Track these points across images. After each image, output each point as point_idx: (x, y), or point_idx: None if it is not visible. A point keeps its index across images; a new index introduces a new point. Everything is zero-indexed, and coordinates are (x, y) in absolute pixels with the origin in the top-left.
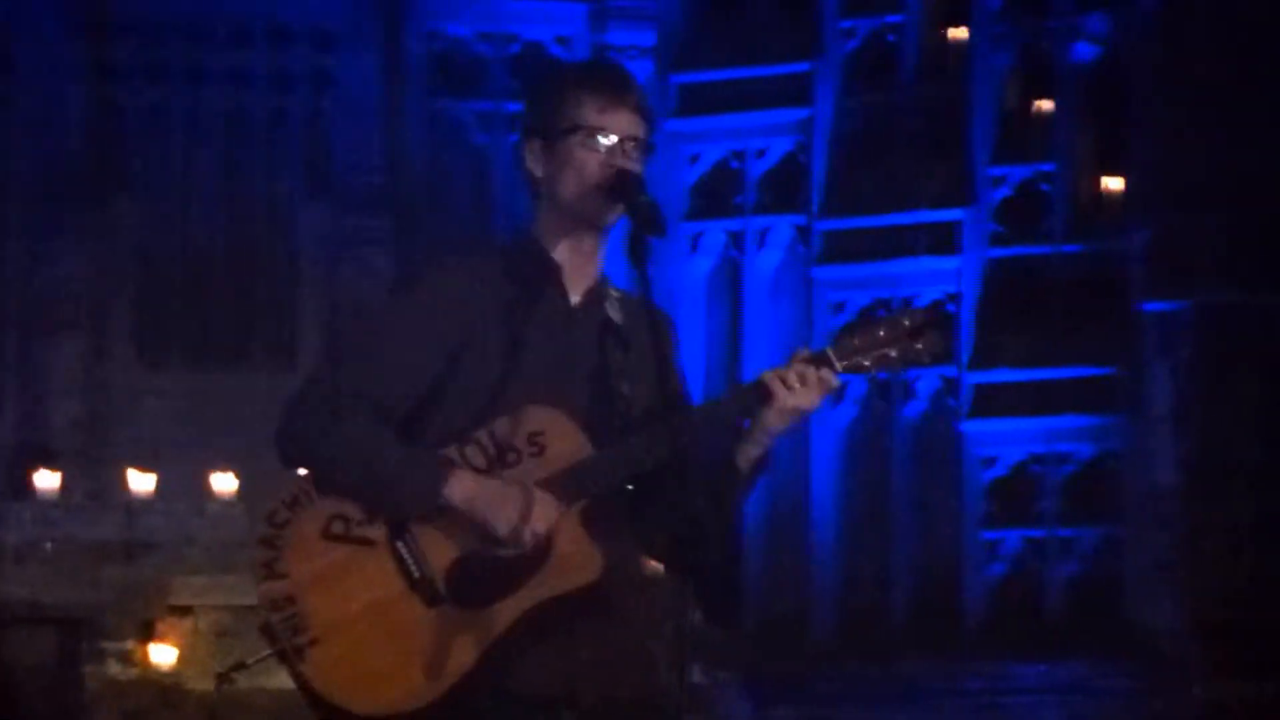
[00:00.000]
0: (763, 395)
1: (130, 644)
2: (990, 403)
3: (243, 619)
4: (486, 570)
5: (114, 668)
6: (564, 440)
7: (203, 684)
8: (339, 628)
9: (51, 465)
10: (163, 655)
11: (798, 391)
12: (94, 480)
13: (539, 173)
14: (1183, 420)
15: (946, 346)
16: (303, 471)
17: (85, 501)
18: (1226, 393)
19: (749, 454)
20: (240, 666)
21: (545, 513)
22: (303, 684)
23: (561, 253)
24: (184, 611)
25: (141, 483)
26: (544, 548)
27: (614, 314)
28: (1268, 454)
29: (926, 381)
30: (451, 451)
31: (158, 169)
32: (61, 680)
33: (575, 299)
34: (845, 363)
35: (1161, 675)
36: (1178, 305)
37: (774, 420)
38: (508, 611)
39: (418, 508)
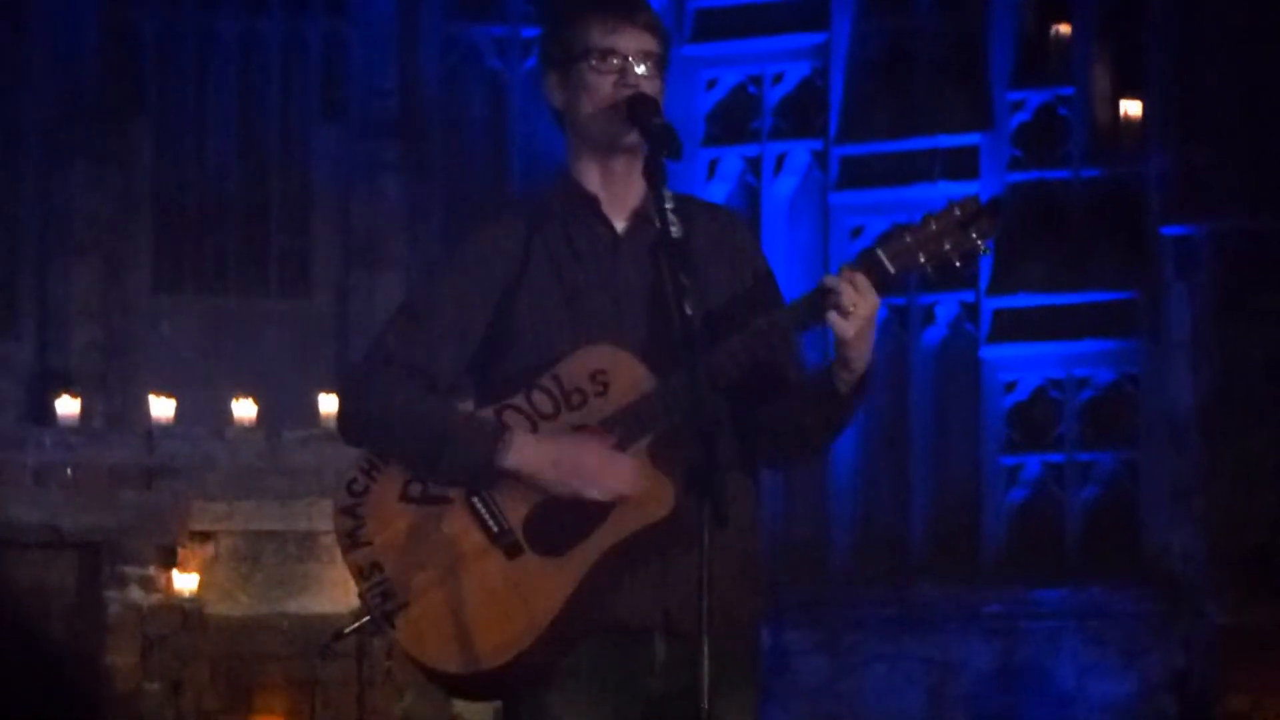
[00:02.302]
0: (822, 302)
1: (151, 569)
2: (1009, 328)
3: (263, 544)
4: (563, 517)
5: (135, 593)
6: (626, 375)
7: (223, 608)
8: (425, 590)
9: (70, 390)
10: (184, 581)
11: (851, 296)
12: (113, 405)
13: (558, 104)
14: (1201, 345)
15: (995, 231)
16: None
17: (104, 426)
18: (1245, 317)
19: (841, 376)
20: (339, 636)
21: (621, 472)
22: (400, 649)
23: (594, 182)
24: (204, 537)
25: (161, 408)
26: None
27: (672, 228)
28: None
29: (945, 307)
30: (519, 400)
31: (173, 95)
32: (82, 605)
33: (620, 225)
34: (899, 262)
35: (1179, 600)
36: (1196, 229)
37: (843, 329)
38: (588, 555)
39: (476, 481)
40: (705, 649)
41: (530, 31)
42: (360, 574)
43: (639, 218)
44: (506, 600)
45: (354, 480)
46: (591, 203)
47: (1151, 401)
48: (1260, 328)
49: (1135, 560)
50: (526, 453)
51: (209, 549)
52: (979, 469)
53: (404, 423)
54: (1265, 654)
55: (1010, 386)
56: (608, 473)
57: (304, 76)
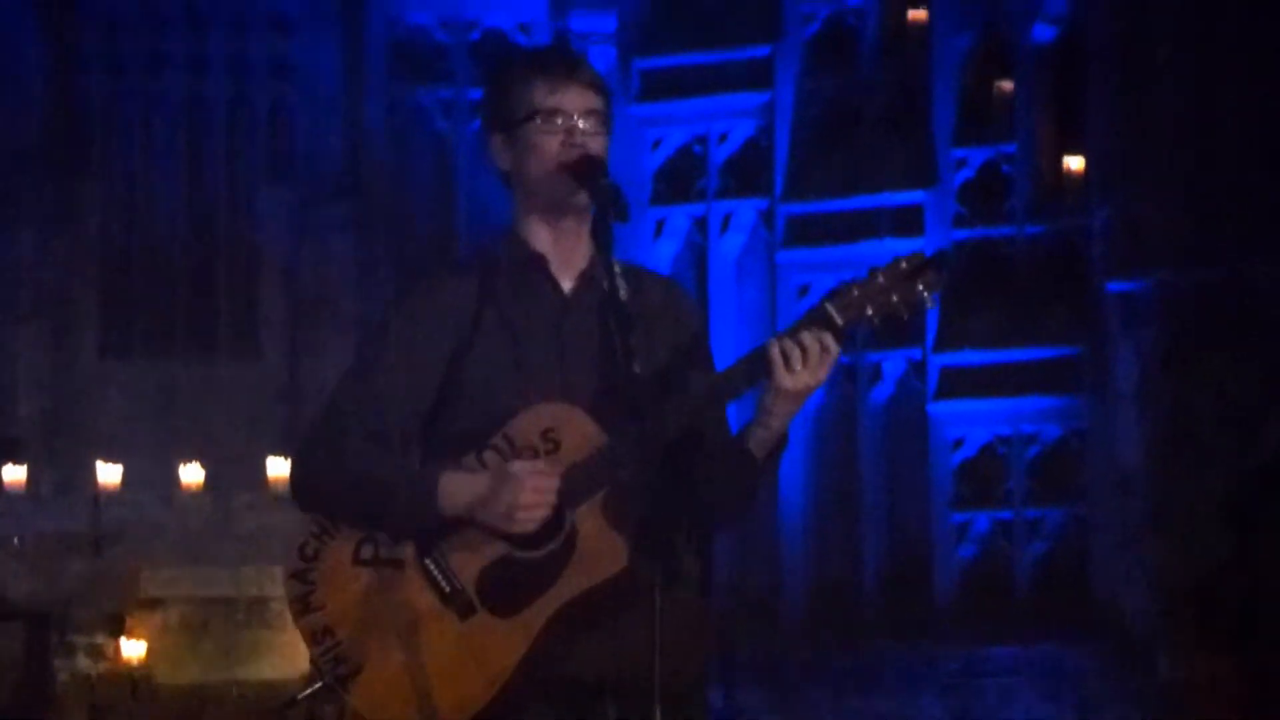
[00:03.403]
0: (763, 365)
1: (100, 637)
2: (956, 384)
3: (212, 611)
4: (515, 575)
5: (83, 661)
6: (577, 432)
7: (173, 676)
8: (379, 654)
9: (17, 458)
10: (132, 649)
11: (797, 368)
12: (61, 472)
13: (505, 166)
14: (1147, 399)
15: (941, 284)
16: None
17: (52, 494)
18: (1190, 371)
19: (759, 438)
20: (292, 704)
21: (538, 488)
22: (354, 714)
23: (543, 242)
24: (153, 604)
25: (108, 474)
26: (569, 544)
27: (620, 291)
28: (1232, 430)
29: (893, 364)
30: (470, 459)
31: (119, 157)
32: (31, 675)
33: (568, 285)
34: (846, 314)
35: (1130, 654)
36: (1140, 284)
37: (775, 402)
38: (540, 613)
39: (422, 525)
40: (658, 712)
41: (476, 93)
42: (313, 639)
43: (586, 278)
44: (461, 661)
45: (305, 544)
46: (539, 263)
47: (1098, 456)
48: (1205, 381)
49: (1086, 614)
50: (460, 489)
51: (158, 616)
52: (929, 526)
53: (354, 482)
54: (1217, 704)
55: (958, 443)
56: (533, 492)
57: (250, 139)
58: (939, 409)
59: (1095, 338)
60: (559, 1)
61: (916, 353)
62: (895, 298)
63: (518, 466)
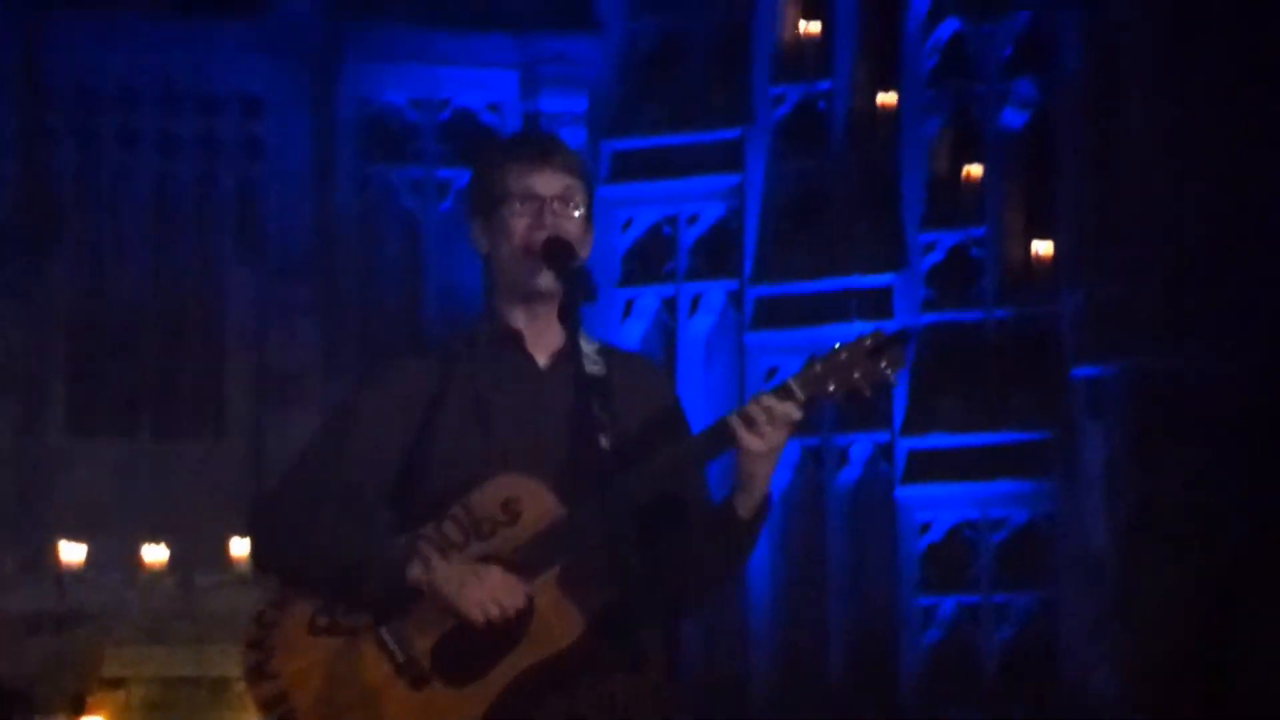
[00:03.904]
0: (725, 435)
1: (62, 717)
2: (924, 468)
3: (175, 691)
4: (469, 646)
5: None
6: (537, 505)
7: None
8: None
9: None
10: None
11: (759, 428)
12: (25, 550)
13: (483, 249)
14: (1115, 485)
15: (904, 363)
16: None
17: (16, 572)
18: (1158, 457)
19: (743, 501)
20: None
21: (511, 591)
22: None
23: (519, 320)
24: (116, 684)
25: (72, 553)
26: (524, 616)
27: (593, 368)
28: (1200, 518)
29: (860, 447)
30: (429, 529)
31: (88, 233)
32: None
33: (543, 361)
34: (808, 388)
35: None
36: (1109, 369)
37: (746, 463)
38: (494, 684)
39: (383, 599)
40: None
41: (445, 173)
42: (266, 706)
43: (561, 355)
44: None
45: (263, 612)
46: (515, 339)
47: (1066, 541)
48: (1174, 466)
49: (1053, 700)
50: (430, 569)
51: (120, 696)
52: (895, 609)
53: (322, 548)
54: None
55: (925, 527)
56: (502, 593)
57: (219, 216)
58: (906, 492)
59: (1063, 423)
60: (529, 82)
61: (884, 436)
62: (857, 374)
63: (495, 573)
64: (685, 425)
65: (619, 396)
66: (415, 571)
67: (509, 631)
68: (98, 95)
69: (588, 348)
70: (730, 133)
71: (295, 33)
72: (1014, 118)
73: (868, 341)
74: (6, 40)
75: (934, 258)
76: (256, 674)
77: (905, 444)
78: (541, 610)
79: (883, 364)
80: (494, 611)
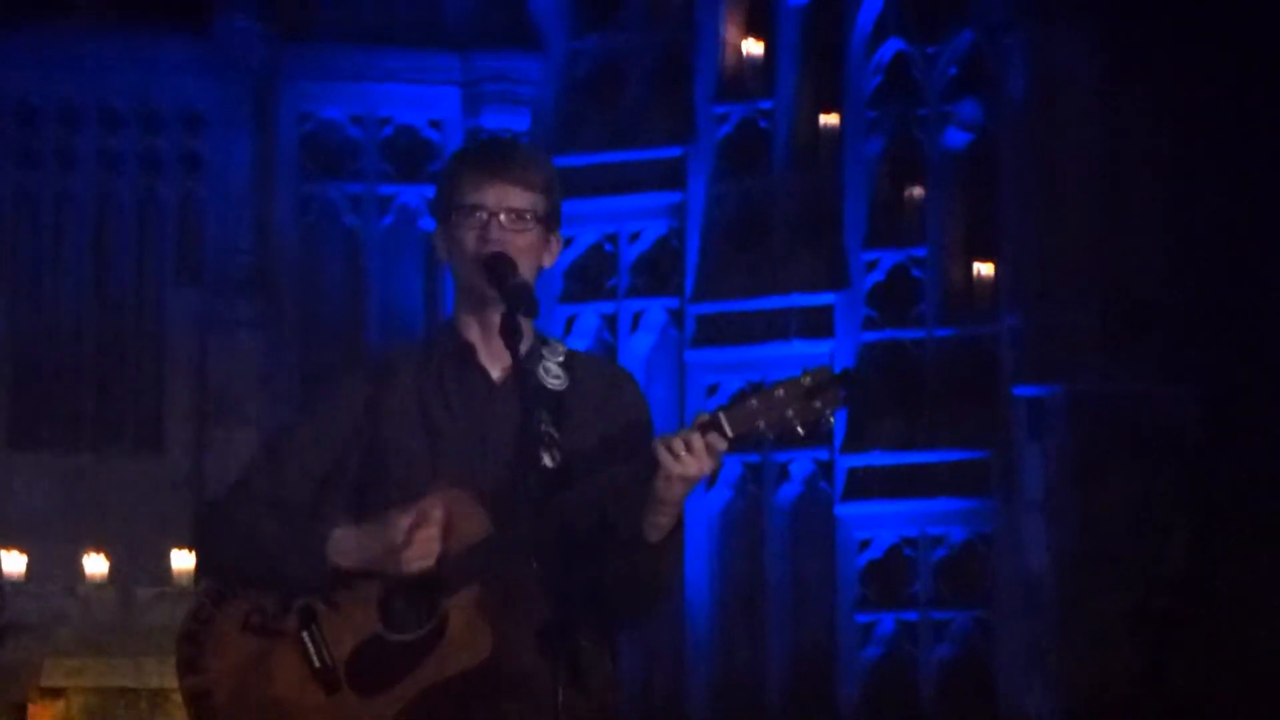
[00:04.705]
0: (649, 462)
1: None
2: (864, 486)
3: (115, 701)
4: (384, 655)
5: None
6: (466, 521)
7: None
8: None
9: None
10: None
11: (684, 458)
12: None
13: (441, 256)
14: (1055, 505)
15: (841, 405)
16: None
17: None
18: (1099, 478)
19: (652, 523)
20: None
21: (428, 535)
22: None
23: (473, 332)
24: (55, 694)
25: (12, 563)
26: (438, 630)
27: (552, 380)
28: (1139, 540)
29: (800, 464)
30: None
31: (27, 251)
32: None
33: (496, 374)
34: (738, 426)
35: None
36: (1050, 390)
37: (665, 488)
38: (401, 696)
39: (311, 581)
40: None
41: (387, 189)
42: (191, 700)
43: (516, 369)
44: None
45: (201, 608)
46: (469, 351)
47: (1005, 561)
48: (1114, 488)
49: (991, 718)
50: (348, 537)
51: (60, 706)
52: (834, 626)
53: (251, 539)
54: None
55: (865, 544)
56: (412, 544)
57: (159, 234)
58: (846, 510)
59: (1003, 442)
60: (471, 99)
61: (824, 453)
62: (790, 413)
63: (403, 519)
64: (651, 437)
65: (580, 409)
66: (331, 546)
67: (422, 645)
68: (37, 113)
69: (552, 359)
70: (672, 151)
71: (236, 49)
72: (956, 138)
73: (807, 380)
74: None
75: (875, 277)
76: (186, 668)
77: (845, 461)
78: (454, 626)
79: (817, 404)
80: (407, 555)
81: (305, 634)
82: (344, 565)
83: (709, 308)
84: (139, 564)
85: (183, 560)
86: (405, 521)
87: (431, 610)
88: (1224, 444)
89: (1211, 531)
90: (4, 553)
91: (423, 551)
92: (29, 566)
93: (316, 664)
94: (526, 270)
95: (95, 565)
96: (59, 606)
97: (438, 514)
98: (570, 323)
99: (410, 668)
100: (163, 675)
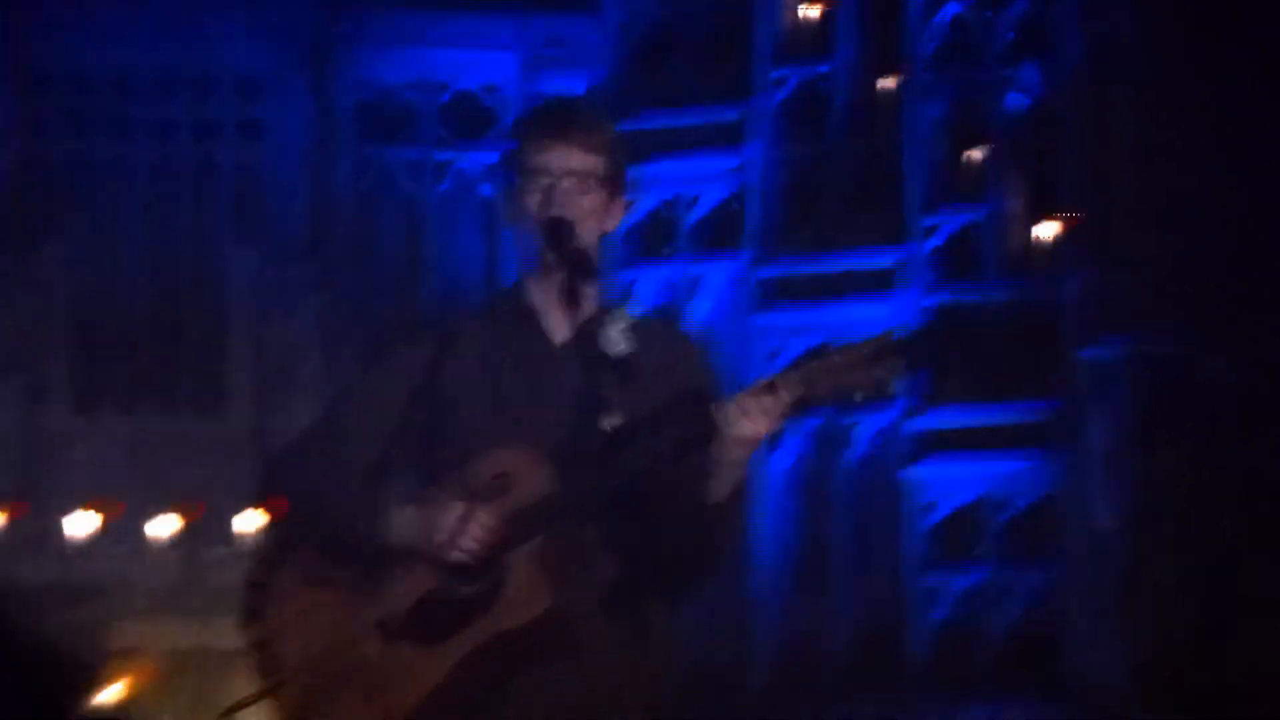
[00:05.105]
0: (709, 425)
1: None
2: (929, 448)
3: (183, 661)
4: (442, 610)
5: None
6: (528, 479)
7: None
8: (304, 668)
9: None
10: (105, 699)
11: (744, 421)
12: (34, 527)
13: (509, 219)
14: (1119, 465)
15: (903, 372)
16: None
17: (24, 547)
18: (1163, 437)
19: (714, 485)
20: (239, 706)
21: (478, 529)
22: None
23: (536, 295)
24: (125, 655)
25: (81, 526)
26: (497, 585)
27: (616, 346)
28: (1203, 497)
29: (865, 427)
30: (426, 494)
31: (87, 219)
32: None
33: (559, 338)
34: (798, 390)
35: (1102, 717)
36: (1113, 351)
37: (725, 450)
38: (457, 649)
39: (370, 548)
40: None
41: (443, 155)
42: (252, 646)
43: (580, 332)
44: (372, 686)
45: (265, 559)
46: (531, 315)
47: (1070, 520)
48: (1177, 447)
49: (1058, 677)
50: (411, 515)
51: (129, 667)
52: (900, 588)
53: (315, 500)
54: None
55: (930, 506)
56: (472, 532)
57: (217, 200)
58: (911, 472)
59: (1067, 403)
60: (529, 63)
61: (890, 416)
62: (851, 379)
63: (460, 508)
64: (713, 401)
65: (642, 375)
66: (395, 520)
67: (481, 599)
68: (95, 81)
69: (616, 324)
70: (731, 114)
71: (293, 15)
72: (1017, 101)
73: (867, 347)
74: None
75: (937, 240)
76: (250, 615)
77: (911, 423)
78: (514, 581)
79: (879, 370)
80: (454, 553)
81: (368, 586)
82: (398, 544)
83: (770, 271)
84: (206, 525)
85: (248, 520)
86: (454, 514)
87: (491, 566)
88: None
89: (1275, 487)
90: (72, 518)
91: (466, 547)
92: (95, 530)
93: (377, 615)
94: (589, 234)
95: (162, 527)
96: (127, 568)
97: (486, 516)
98: (632, 287)
99: (468, 621)
100: (230, 635)
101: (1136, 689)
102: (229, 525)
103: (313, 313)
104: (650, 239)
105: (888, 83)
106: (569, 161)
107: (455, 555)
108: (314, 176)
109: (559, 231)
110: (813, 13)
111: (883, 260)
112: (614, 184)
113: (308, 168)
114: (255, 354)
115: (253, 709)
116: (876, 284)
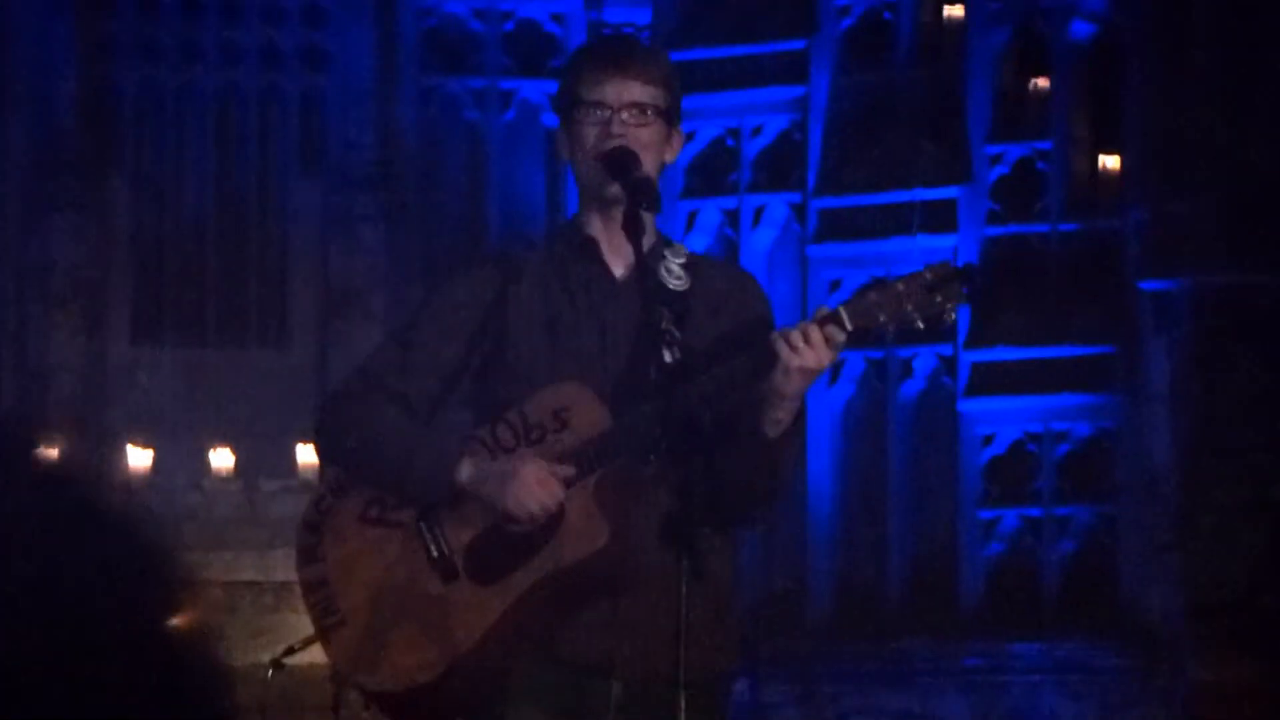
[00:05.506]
0: (768, 355)
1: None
2: (987, 381)
3: (240, 595)
4: (500, 545)
5: None
6: (587, 415)
7: None
8: (361, 608)
9: (49, 442)
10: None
11: (802, 350)
12: (91, 457)
13: (564, 154)
14: (1179, 399)
15: (964, 300)
16: None
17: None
18: (1223, 372)
19: (772, 418)
20: (290, 651)
21: (548, 490)
22: (331, 666)
23: (596, 229)
24: (188, 585)
25: (138, 458)
26: (555, 521)
27: (674, 281)
28: (1264, 433)
29: (923, 360)
30: (483, 431)
31: (151, 147)
32: None
33: (619, 271)
34: (858, 319)
35: (1157, 655)
36: (1174, 283)
37: (783, 382)
38: (516, 586)
39: (432, 493)
40: (682, 701)
41: (508, 84)
42: (308, 588)
43: (640, 264)
44: (431, 624)
45: (321, 498)
46: (592, 247)
47: (1129, 455)
48: (1238, 381)
49: (1113, 614)
50: (478, 469)
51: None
52: (956, 522)
53: (377, 442)
54: (1244, 709)
55: (988, 440)
56: (542, 492)
57: (282, 129)
58: (969, 405)
59: (1128, 336)
60: None
61: (948, 348)
62: (910, 307)
63: (532, 466)
64: (748, 340)
65: (701, 309)
66: (460, 470)
67: (538, 535)
68: (159, 9)
69: (674, 259)
70: (796, 43)
71: None
72: (1083, 29)
73: (927, 275)
74: None
75: (1000, 170)
76: (306, 556)
77: (969, 357)
78: (571, 517)
79: (939, 299)
80: (532, 508)
81: (423, 524)
82: (462, 489)
83: (831, 202)
84: (264, 458)
85: (307, 454)
86: (532, 471)
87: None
88: None
89: None
90: (130, 448)
91: (537, 511)
92: (155, 461)
93: (434, 553)
94: (649, 165)
95: (221, 459)
96: (185, 501)
97: (557, 487)
98: (692, 218)
99: (528, 557)
100: (288, 568)
101: (1191, 627)
102: (290, 458)
103: (376, 242)
104: (712, 169)
105: (953, 10)
106: (628, 93)
107: (523, 516)
108: (378, 105)
109: (622, 161)
110: None
111: (944, 191)
112: (671, 116)
113: (372, 96)
114: (318, 284)
115: (309, 649)
116: (938, 215)
